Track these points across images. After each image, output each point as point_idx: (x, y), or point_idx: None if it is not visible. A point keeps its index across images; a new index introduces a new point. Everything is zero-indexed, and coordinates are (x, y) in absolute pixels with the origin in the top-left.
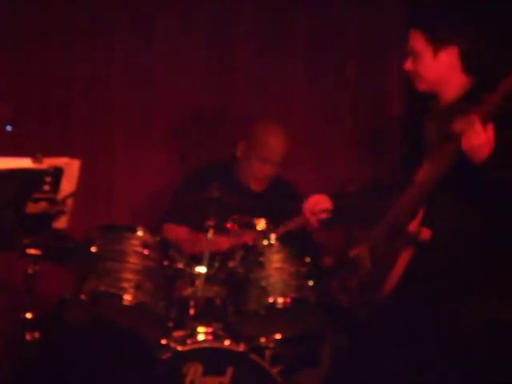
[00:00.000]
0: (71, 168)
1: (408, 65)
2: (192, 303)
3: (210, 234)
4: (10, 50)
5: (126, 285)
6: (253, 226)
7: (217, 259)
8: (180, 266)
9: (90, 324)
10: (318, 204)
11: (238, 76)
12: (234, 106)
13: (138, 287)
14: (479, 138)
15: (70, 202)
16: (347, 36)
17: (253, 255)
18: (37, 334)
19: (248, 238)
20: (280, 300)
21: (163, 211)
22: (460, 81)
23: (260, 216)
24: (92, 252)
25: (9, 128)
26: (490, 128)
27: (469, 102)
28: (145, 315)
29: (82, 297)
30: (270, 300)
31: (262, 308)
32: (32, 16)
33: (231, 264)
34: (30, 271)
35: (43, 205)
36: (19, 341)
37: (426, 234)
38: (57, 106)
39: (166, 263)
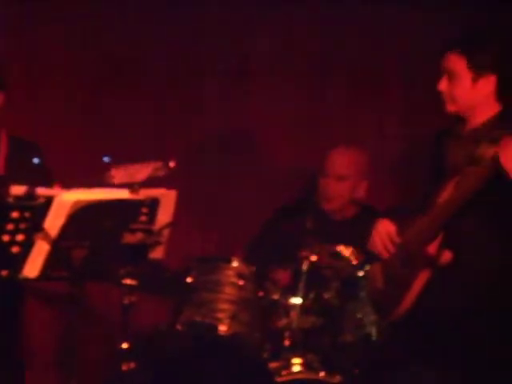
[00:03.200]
0: (168, 198)
1: (443, 85)
2: (287, 334)
3: None
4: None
5: (221, 315)
6: (338, 255)
7: (312, 291)
8: (275, 296)
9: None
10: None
11: None
12: None
13: (233, 318)
14: None
15: (166, 232)
16: None
17: (348, 286)
18: (133, 365)
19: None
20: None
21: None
22: (491, 108)
23: (348, 244)
24: (188, 282)
25: (106, 159)
26: None
27: (495, 128)
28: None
29: (178, 327)
30: (367, 331)
31: (358, 339)
32: None
33: (326, 295)
34: (126, 301)
35: (140, 235)
36: (115, 371)
37: (446, 256)
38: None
39: (261, 294)
